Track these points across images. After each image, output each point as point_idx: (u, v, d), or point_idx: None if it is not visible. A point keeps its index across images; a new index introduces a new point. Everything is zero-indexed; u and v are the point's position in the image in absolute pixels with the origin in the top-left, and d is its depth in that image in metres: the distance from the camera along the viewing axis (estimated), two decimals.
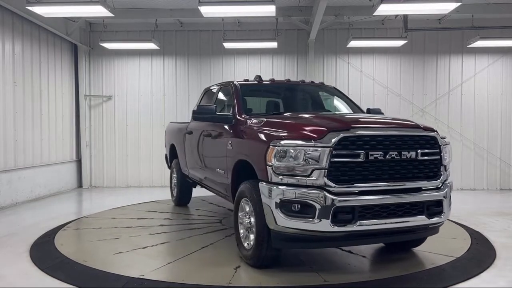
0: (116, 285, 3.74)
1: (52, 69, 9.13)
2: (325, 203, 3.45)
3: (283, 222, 3.57)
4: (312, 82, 6.07)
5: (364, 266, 4.33)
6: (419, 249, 4.77)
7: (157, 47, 9.42)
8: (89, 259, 4.43)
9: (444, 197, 3.89)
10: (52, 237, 5.31)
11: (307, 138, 3.61)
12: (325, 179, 3.50)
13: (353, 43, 9.15)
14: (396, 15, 9.11)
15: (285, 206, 3.56)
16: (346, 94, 6.56)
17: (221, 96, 5.80)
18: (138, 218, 6.32)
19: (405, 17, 8.85)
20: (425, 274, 4.01)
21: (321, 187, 3.50)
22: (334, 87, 6.18)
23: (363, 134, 3.62)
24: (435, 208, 3.85)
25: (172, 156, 7.53)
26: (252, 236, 4.04)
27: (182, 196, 7.28)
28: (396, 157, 3.65)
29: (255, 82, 5.54)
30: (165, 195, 8.25)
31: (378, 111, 5.48)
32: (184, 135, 6.53)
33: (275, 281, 3.79)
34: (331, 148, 3.49)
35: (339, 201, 3.48)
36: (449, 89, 9.81)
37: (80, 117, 10.08)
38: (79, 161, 10.18)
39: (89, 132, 10.25)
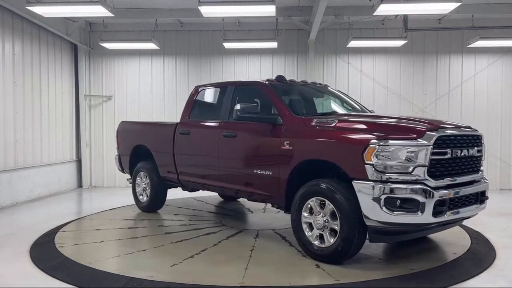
0: (116, 285, 3.74)
1: (52, 69, 9.13)
2: (429, 197, 3.76)
3: (386, 217, 3.78)
4: (320, 84, 6.21)
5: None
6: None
7: (157, 47, 9.42)
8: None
9: (487, 187, 4.56)
10: (52, 237, 5.31)
11: (409, 138, 3.88)
12: (426, 175, 3.81)
13: (353, 43, 9.15)
14: (396, 15, 9.11)
15: (390, 202, 3.76)
16: (345, 93, 6.67)
17: (240, 96, 5.52)
18: (129, 228, 5.95)
19: (405, 17, 8.84)
20: (425, 273, 4.01)
21: (422, 183, 3.80)
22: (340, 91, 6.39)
23: (451, 134, 4.10)
24: (482, 197, 4.43)
25: (136, 158, 7.04)
26: (327, 234, 4.19)
27: (156, 201, 6.80)
28: (466, 154, 4.19)
29: (281, 82, 5.51)
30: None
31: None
32: (174, 135, 6.21)
33: (376, 274, 3.96)
34: (431, 146, 3.82)
35: (439, 195, 3.82)
36: (449, 89, 9.81)
37: (80, 117, 10.09)
38: (79, 161, 10.18)
39: (89, 132, 10.25)
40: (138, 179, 7.01)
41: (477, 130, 4.55)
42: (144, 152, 6.89)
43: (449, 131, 4.11)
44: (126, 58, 10.19)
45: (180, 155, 6.18)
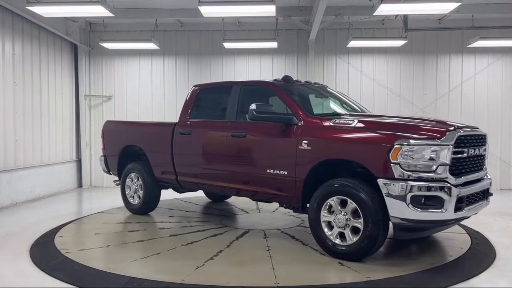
0: (116, 285, 3.74)
1: (52, 69, 9.13)
2: (452, 195, 3.92)
3: (412, 214, 3.91)
4: (321, 84, 6.23)
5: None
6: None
7: (157, 47, 9.42)
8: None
9: (491, 184, 4.78)
10: (52, 237, 5.31)
11: (432, 138, 4.02)
12: (448, 173, 3.96)
13: (353, 43, 9.16)
14: (396, 15, 9.11)
15: (415, 199, 3.89)
16: (346, 94, 6.68)
17: (247, 96, 5.43)
18: (129, 231, 5.68)
19: (405, 17, 8.85)
20: (425, 274, 4.01)
21: (444, 181, 3.94)
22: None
23: (467, 134, 4.29)
24: (487, 193, 4.65)
25: (125, 159, 6.84)
26: (349, 232, 4.26)
27: (149, 203, 6.59)
28: (477, 153, 4.42)
29: (288, 82, 5.51)
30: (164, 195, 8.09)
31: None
32: (172, 136, 6.08)
33: (402, 269, 4.06)
34: (452, 146, 4.00)
35: (459, 192, 3.99)
36: (449, 89, 9.81)
37: (80, 117, 10.09)
38: (79, 161, 10.19)
39: (89, 132, 10.25)
40: (128, 181, 6.74)
41: (481, 130, 4.72)
42: (133, 152, 6.74)
43: (464, 131, 4.27)
44: (126, 58, 10.19)
45: (179, 156, 6.07)
